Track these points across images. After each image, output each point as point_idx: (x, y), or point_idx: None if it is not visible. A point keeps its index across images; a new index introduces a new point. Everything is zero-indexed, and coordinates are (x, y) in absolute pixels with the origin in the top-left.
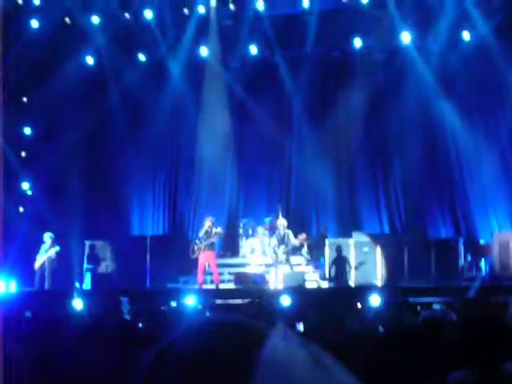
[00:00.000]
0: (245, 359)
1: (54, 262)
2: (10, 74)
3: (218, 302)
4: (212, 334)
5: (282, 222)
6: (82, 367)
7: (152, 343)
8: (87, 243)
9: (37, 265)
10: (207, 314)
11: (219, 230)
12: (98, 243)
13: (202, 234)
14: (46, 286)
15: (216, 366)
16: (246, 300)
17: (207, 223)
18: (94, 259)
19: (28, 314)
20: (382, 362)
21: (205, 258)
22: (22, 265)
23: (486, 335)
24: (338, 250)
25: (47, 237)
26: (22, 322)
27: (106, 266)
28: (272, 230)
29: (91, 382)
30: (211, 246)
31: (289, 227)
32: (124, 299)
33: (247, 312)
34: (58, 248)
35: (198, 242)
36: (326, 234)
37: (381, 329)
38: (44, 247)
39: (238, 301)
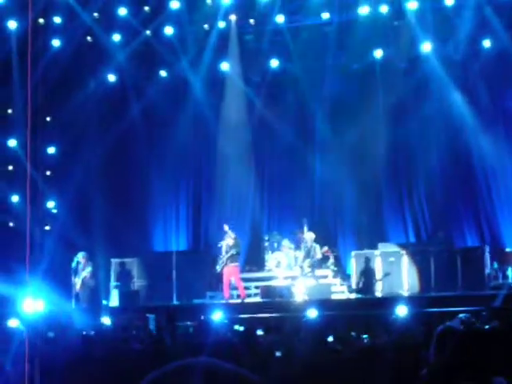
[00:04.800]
0: None
1: (90, 281)
2: (34, 94)
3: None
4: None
5: (309, 235)
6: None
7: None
8: (113, 261)
9: (77, 286)
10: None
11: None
12: (125, 260)
13: (224, 248)
14: (84, 305)
15: None
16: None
17: (226, 242)
18: (122, 276)
19: (52, 333)
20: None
21: (228, 273)
22: (50, 284)
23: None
24: (367, 261)
25: (81, 257)
26: (48, 340)
27: (133, 283)
28: (298, 243)
29: None
30: (233, 259)
31: (316, 241)
32: (151, 316)
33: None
34: (89, 268)
35: (221, 256)
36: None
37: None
38: (80, 267)
39: (265, 315)
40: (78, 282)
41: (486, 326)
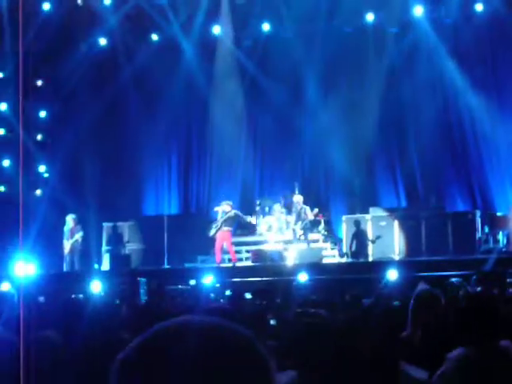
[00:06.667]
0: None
1: (81, 245)
2: (25, 58)
3: (236, 279)
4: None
5: (297, 198)
6: (97, 350)
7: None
8: (105, 225)
9: (66, 250)
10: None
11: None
12: (117, 224)
13: (220, 213)
14: (75, 268)
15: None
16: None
17: (222, 208)
18: (113, 240)
19: (42, 298)
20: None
21: (221, 237)
22: (41, 248)
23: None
24: (357, 224)
25: (70, 218)
26: (38, 305)
27: (125, 247)
28: (288, 207)
29: (106, 365)
30: (227, 223)
31: (305, 203)
32: (142, 280)
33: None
34: (81, 233)
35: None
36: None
37: (396, 303)
38: (67, 228)
39: (256, 278)
40: (67, 245)
41: (478, 289)
